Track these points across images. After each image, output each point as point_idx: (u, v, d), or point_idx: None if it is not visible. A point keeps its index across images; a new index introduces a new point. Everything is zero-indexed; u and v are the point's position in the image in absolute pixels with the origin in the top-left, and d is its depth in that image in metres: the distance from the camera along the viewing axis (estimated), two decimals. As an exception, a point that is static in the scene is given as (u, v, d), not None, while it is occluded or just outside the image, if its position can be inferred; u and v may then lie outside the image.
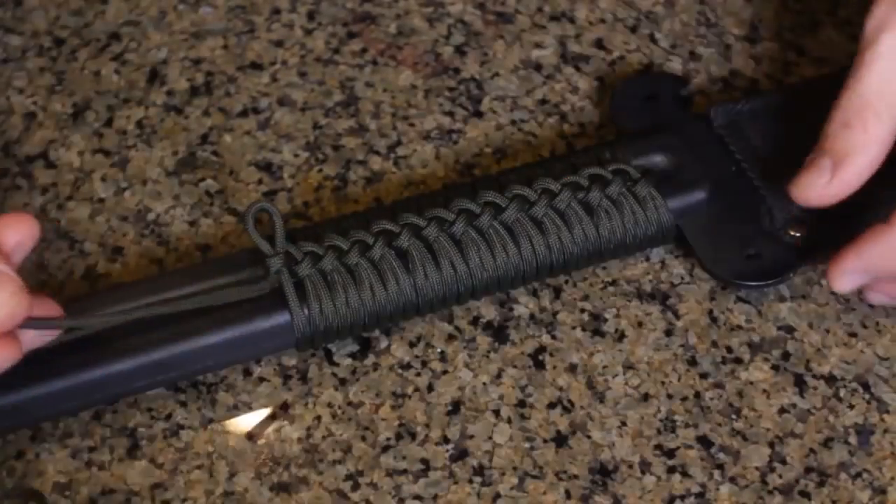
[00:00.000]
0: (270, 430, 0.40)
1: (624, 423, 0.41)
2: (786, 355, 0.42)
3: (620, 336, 0.43)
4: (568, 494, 0.39)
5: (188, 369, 0.40)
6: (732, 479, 0.40)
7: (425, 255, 0.41)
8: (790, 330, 0.43)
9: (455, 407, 0.41)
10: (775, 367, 0.42)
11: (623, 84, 0.48)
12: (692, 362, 0.42)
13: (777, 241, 0.43)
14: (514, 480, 0.39)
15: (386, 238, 0.41)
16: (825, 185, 0.40)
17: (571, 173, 0.43)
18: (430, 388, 0.41)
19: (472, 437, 0.40)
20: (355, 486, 0.39)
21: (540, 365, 0.42)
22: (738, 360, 0.42)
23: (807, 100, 0.44)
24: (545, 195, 0.42)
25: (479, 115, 0.48)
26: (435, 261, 0.41)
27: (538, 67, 0.50)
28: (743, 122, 0.45)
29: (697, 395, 0.41)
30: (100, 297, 0.41)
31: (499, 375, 0.42)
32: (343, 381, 0.41)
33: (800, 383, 0.42)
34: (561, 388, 0.41)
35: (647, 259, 0.44)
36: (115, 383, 0.39)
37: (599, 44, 0.51)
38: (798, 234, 0.43)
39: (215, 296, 0.40)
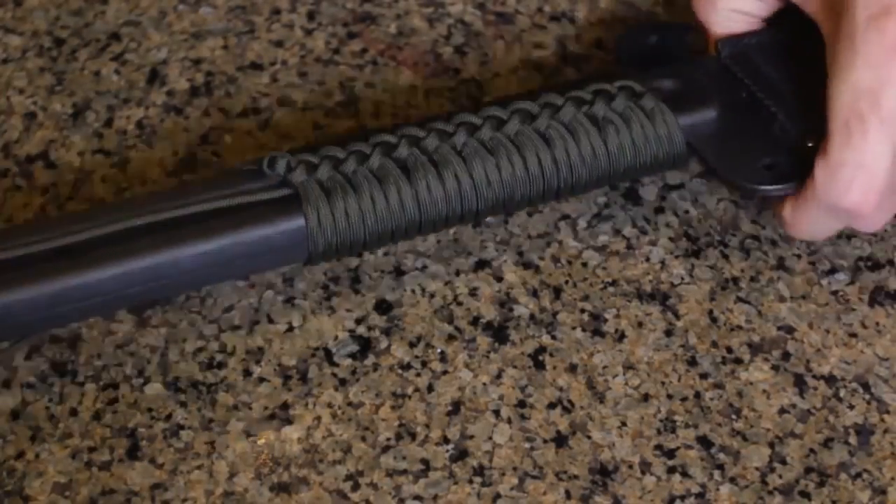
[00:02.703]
0: (270, 430, 0.40)
1: (624, 424, 0.41)
2: (786, 355, 0.42)
3: (620, 336, 0.43)
4: (568, 495, 0.39)
5: (181, 280, 0.39)
6: (732, 480, 0.40)
7: (427, 165, 0.39)
8: (790, 330, 0.43)
9: (455, 407, 0.41)
10: (775, 368, 0.42)
11: (628, 31, 0.47)
12: (692, 362, 0.42)
13: (792, 151, 0.42)
14: (515, 481, 0.39)
15: (384, 148, 0.40)
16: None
17: (573, 90, 0.42)
18: (430, 388, 0.41)
19: (472, 437, 0.40)
20: (355, 487, 0.39)
21: (540, 365, 0.42)
22: (738, 361, 0.42)
23: (814, 31, 0.43)
24: (548, 108, 0.41)
25: (479, 115, 0.48)
26: (438, 172, 0.39)
27: (538, 68, 0.50)
28: (750, 53, 0.45)
29: (697, 395, 0.41)
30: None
31: (499, 376, 0.42)
32: (343, 382, 0.41)
33: (800, 383, 0.42)
34: (561, 389, 0.41)
35: (648, 259, 0.44)
36: (106, 289, 0.38)
37: (599, 44, 0.51)
38: (811, 145, 0.41)
39: (217, 201, 0.39)
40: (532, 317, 0.43)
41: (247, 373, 0.42)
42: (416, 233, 0.40)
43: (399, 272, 0.44)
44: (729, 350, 0.42)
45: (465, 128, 0.40)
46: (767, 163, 0.42)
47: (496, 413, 0.41)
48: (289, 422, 0.40)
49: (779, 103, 0.43)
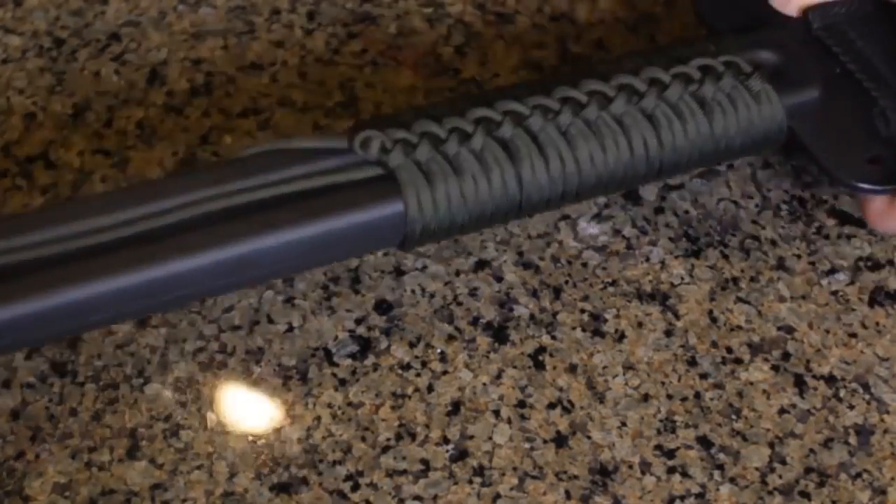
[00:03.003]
0: (270, 430, 0.40)
1: (624, 424, 0.41)
2: (786, 356, 0.42)
3: (620, 336, 0.43)
4: (568, 495, 0.39)
5: (270, 269, 0.37)
6: (732, 480, 0.40)
7: (531, 146, 0.38)
8: (790, 330, 0.43)
9: (455, 407, 0.41)
10: (775, 368, 0.42)
11: None
12: (692, 363, 0.42)
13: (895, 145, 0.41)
14: (514, 481, 0.39)
15: (486, 126, 0.38)
16: None
17: (677, 64, 0.40)
18: (430, 388, 0.41)
19: (471, 437, 0.40)
20: (355, 487, 0.39)
21: (540, 365, 0.42)
22: (738, 361, 0.42)
23: None
24: (655, 86, 0.39)
25: (479, 115, 0.48)
26: (542, 153, 0.38)
27: (538, 68, 0.50)
28: (842, 26, 0.43)
29: (697, 395, 0.41)
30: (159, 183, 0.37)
31: (499, 376, 0.42)
32: (343, 382, 0.41)
33: (800, 384, 0.42)
34: (561, 389, 0.41)
35: (647, 259, 0.44)
36: (181, 284, 0.36)
37: (599, 44, 0.51)
38: None
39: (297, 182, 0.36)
40: (532, 317, 0.43)
41: (247, 373, 0.41)
42: (515, 215, 0.39)
43: (399, 272, 0.44)
44: (729, 350, 0.42)
45: (569, 105, 0.38)
46: (871, 156, 0.41)
47: (496, 413, 0.41)
48: (289, 422, 0.40)
49: (880, 87, 0.42)
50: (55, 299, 0.35)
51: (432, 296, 0.43)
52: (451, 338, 0.42)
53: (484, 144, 0.37)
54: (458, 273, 0.44)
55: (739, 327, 0.43)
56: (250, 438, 0.40)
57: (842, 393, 0.42)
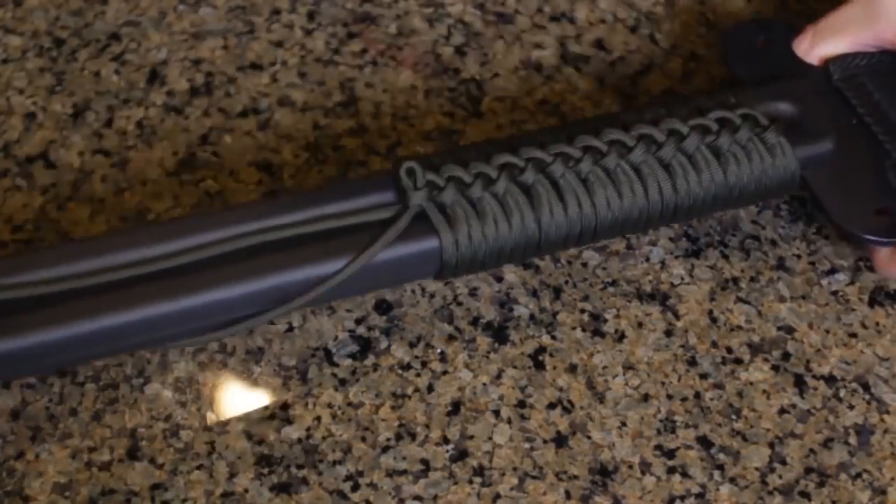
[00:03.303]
0: (270, 430, 0.40)
1: (624, 424, 0.41)
2: (786, 356, 0.42)
3: (620, 336, 0.43)
4: (568, 495, 0.39)
5: (304, 300, 0.39)
6: (732, 480, 0.40)
7: (551, 191, 0.40)
8: (790, 330, 0.43)
9: (455, 407, 0.41)
10: (775, 368, 0.42)
11: (736, 29, 0.47)
12: (692, 363, 0.42)
13: None
14: (514, 481, 0.39)
15: (509, 172, 0.40)
16: None
17: (697, 115, 0.42)
18: (430, 388, 0.41)
19: (472, 437, 0.40)
20: (355, 487, 0.39)
21: (540, 365, 0.42)
22: (738, 361, 0.42)
23: None
24: (673, 137, 0.41)
25: (478, 115, 0.48)
26: (561, 198, 0.40)
27: (538, 68, 0.50)
28: (862, 77, 0.44)
29: (697, 395, 0.41)
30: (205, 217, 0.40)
31: (499, 376, 0.42)
32: (343, 382, 0.41)
33: (800, 384, 0.42)
34: (561, 389, 0.41)
35: (647, 259, 0.44)
36: (213, 312, 0.38)
37: (599, 44, 0.51)
38: None
39: (339, 219, 0.39)
40: (532, 317, 0.43)
41: (247, 373, 0.41)
42: (534, 253, 0.41)
43: (399, 272, 0.44)
44: (729, 350, 0.42)
45: (590, 154, 0.40)
46: (880, 207, 0.42)
47: (496, 413, 0.41)
48: (289, 422, 0.40)
49: (891, 138, 0.43)
50: (99, 323, 0.37)
51: (432, 296, 0.43)
52: (451, 338, 0.42)
53: (506, 189, 0.40)
54: (458, 273, 0.44)
55: (739, 327, 0.43)
56: (250, 438, 0.40)
57: (842, 393, 0.42)
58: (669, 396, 0.41)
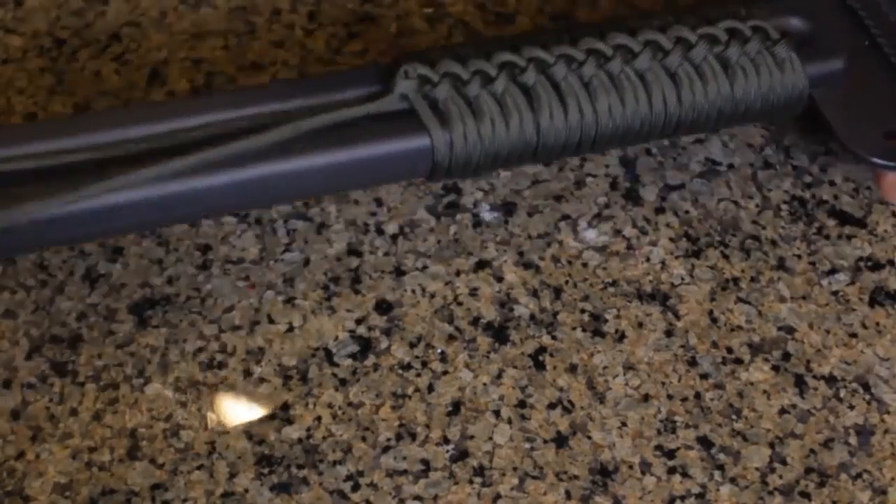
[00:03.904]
0: (271, 430, 0.40)
1: (624, 424, 0.41)
2: (786, 356, 0.42)
3: (621, 337, 0.43)
4: (568, 495, 0.39)
5: (290, 193, 0.39)
6: (733, 480, 0.40)
7: (552, 94, 0.39)
8: (790, 330, 0.43)
9: (455, 407, 0.41)
10: (775, 368, 0.42)
11: None
12: (692, 363, 0.42)
13: None
14: (515, 481, 0.39)
15: (510, 71, 0.39)
16: None
17: (706, 24, 0.41)
18: (431, 388, 0.41)
19: (472, 437, 0.40)
20: (355, 487, 0.39)
21: (540, 365, 0.42)
22: (739, 361, 0.42)
23: None
24: (680, 45, 0.40)
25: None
26: (562, 102, 0.39)
27: (538, 68, 0.50)
28: None
29: (698, 395, 0.41)
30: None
31: (499, 376, 0.42)
32: (343, 382, 0.41)
33: (800, 384, 0.42)
34: (561, 389, 0.41)
35: (648, 260, 0.44)
36: (198, 200, 0.38)
37: (600, 44, 0.51)
38: None
39: (333, 113, 0.38)
40: (532, 317, 0.43)
41: (247, 373, 0.42)
42: (530, 159, 0.40)
43: (399, 272, 0.44)
44: (729, 350, 0.42)
45: (594, 57, 0.39)
46: (889, 130, 0.41)
47: (496, 413, 0.41)
48: (289, 422, 0.40)
49: None
50: (86, 203, 0.37)
51: (433, 296, 0.43)
52: (451, 338, 0.42)
53: (505, 88, 0.38)
54: (458, 273, 0.44)
55: (740, 327, 0.43)
56: (251, 438, 0.40)
57: (842, 393, 0.42)
58: (670, 396, 0.41)
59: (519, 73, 0.39)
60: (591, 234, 0.45)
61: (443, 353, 0.42)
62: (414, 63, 0.39)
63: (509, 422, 0.41)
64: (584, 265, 0.44)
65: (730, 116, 0.41)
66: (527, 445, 0.40)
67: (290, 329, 0.42)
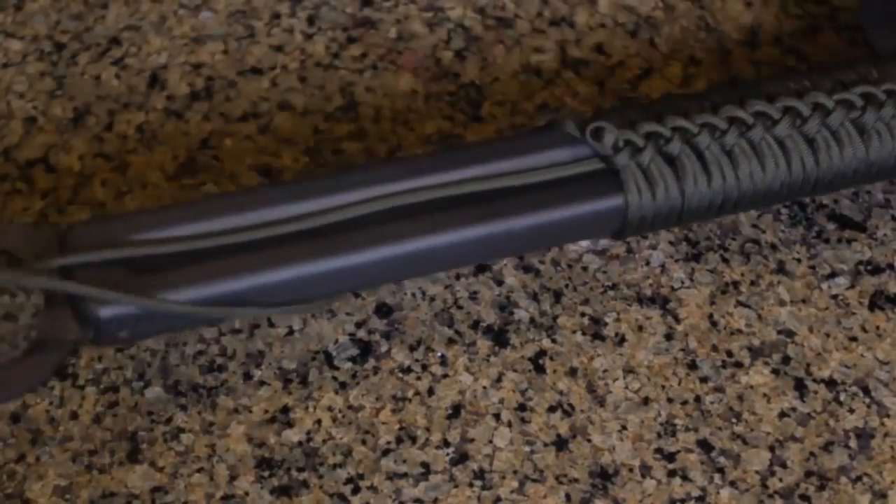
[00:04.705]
0: (271, 433, 0.40)
1: (624, 427, 0.41)
2: (786, 359, 0.42)
3: (621, 340, 0.43)
4: (568, 498, 0.39)
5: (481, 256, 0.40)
6: (733, 483, 0.40)
7: (696, 162, 0.40)
8: (790, 334, 0.43)
9: (455, 411, 0.41)
10: (775, 371, 0.42)
11: None
12: (692, 366, 0.42)
13: None
14: (515, 484, 0.39)
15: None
16: None
17: (842, 89, 0.42)
18: (431, 391, 0.41)
19: (472, 440, 0.40)
20: (356, 490, 0.39)
21: (540, 369, 0.42)
22: (739, 364, 0.42)
23: None
24: (819, 111, 0.41)
25: (478, 119, 0.48)
26: (706, 170, 0.40)
27: (538, 72, 0.50)
28: None
29: (698, 398, 0.41)
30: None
31: (499, 379, 0.42)
32: (343, 385, 0.41)
33: (800, 387, 0.42)
34: (561, 392, 0.41)
35: (648, 263, 0.44)
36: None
37: (599, 48, 0.51)
38: None
39: (529, 173, 0.39)
40: (532, 320, 0.43)
41: (247, 376, 0.42)
42: (676, 222, 0.41)
43: (399, 276, 0.44)
44: (729, 354, 0.42)
45: (736, 126, 0.40)
46: None
47: (496, 417, 0.41)
48: (289, 425, 0.40)
49: None
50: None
51: (432, 299, 0.43)
52: (451, 341, 0.42)
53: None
54: (458, 277, 0.44)
55: (739, 331, 0.43)
56: (251, 441, 0.40)
57: (842, 396, 0.42)
58: (670, 400, 0.41)
59: (664, 144, 0.40)
60: (590, 238, 0.45)
61: (443, 356, 0.42)
62: (600, 123, 0.40)
63: (509, 425, 0.41)
64: (584, 268, 0.44)
65: (864, 176, 0.42)
66: (527, 448, 0.40)
67: (290, 332, 0.42)
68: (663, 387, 0.42)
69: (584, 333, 0.43)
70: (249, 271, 0.37)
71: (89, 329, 0.37)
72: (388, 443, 0.40)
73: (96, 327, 0.37)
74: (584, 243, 0.45)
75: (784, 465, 0.40)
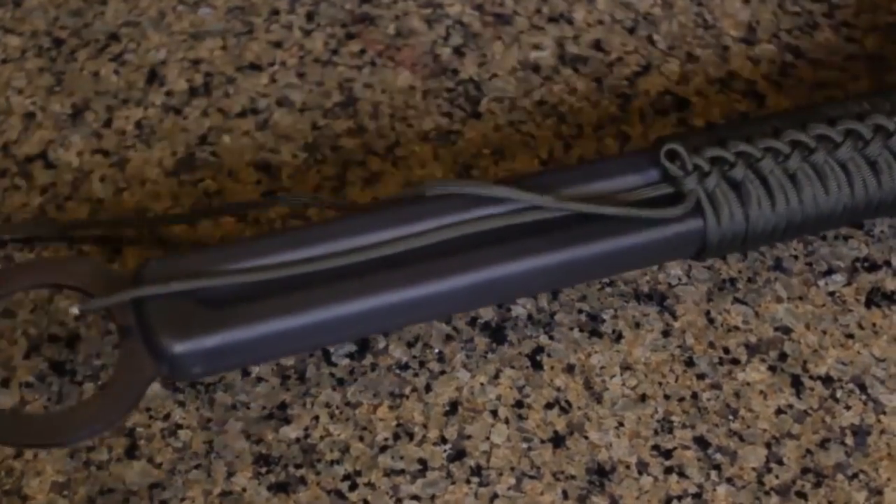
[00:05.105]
0: (268, 429, 0.40)
1: (621, 424, 0.41)
2: (783, 356, 0.42)
3: (618, 337, 0.43)
4: (565, 495, 0.39)
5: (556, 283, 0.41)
6: (729, 480, 0.40)
7: (758, 186, 0.41)
8: (787, 331, 0.43)
9: (453, 407, 0.41)
10: (772, 368, 0.42)
11: None
12: (689, 363, 0.42)
13: None
14: (512, 481, 0.40)
15: (721, 166, 0.41)
16: None
17: None
18: (428, 388, 0.41)
19: (469, 437, 0.40)
20: (353, 486, 0.39)
21: (537, 365, 0.42)
22: (735, 361, 0.42)
23: None
24: (880, 133, 0.42)
25: (477, 116, 0.48)
26: (770, 195, 0.41)
27: (536, 69, 0.50)
28: None
29: (695, 395, 0.41)
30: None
31: (496, 376, 0.42)
32: (341, 382, 0.41)
33: (797, 384, 0.42)
34: (558, 389, 0.41)
35: (645, 260, 0.44)
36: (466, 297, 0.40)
37: (597, 45, 0.51)
38: None
39: (613, 201, 0.40)
40: (530, 317, 0.43)
41: (245, 373, 0.42)
42: (739, 249, 0.42)
43: (397, 272, 0.44)
44: (726, 351, 0.42)
45: (799, 150, 0.41)
46: None
47: (494, 413, 0.41)
48: (287, 421, 0.41)
49: None
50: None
51: (430, 296, 0.43)
52: (448, 338, 0.43)
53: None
54: (456, 273, 0.44)
55: (736, 328, 0.43)
56: (248, 438, 0.40)
57: (838, 393, 0.42)
58: (667, 397, 0.41)
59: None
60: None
61: (440, 353, 0.42)
62: (674, 146, 0.41)
63: (506, 421, 0.41)
64: (582, 265, 0.44)
65: None
66: (524, 445, 0.40)
67: (288, 329, 0.42)
68: (660, 383, 0.42)
69: (581, 330, 0.43)
70: (318, 305, 0.38)
71: (164, 364, 0.37)
72: (386, 439, 0.40)
73: (171, 363, 0.37)
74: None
75: (780, 462, 0.40)
